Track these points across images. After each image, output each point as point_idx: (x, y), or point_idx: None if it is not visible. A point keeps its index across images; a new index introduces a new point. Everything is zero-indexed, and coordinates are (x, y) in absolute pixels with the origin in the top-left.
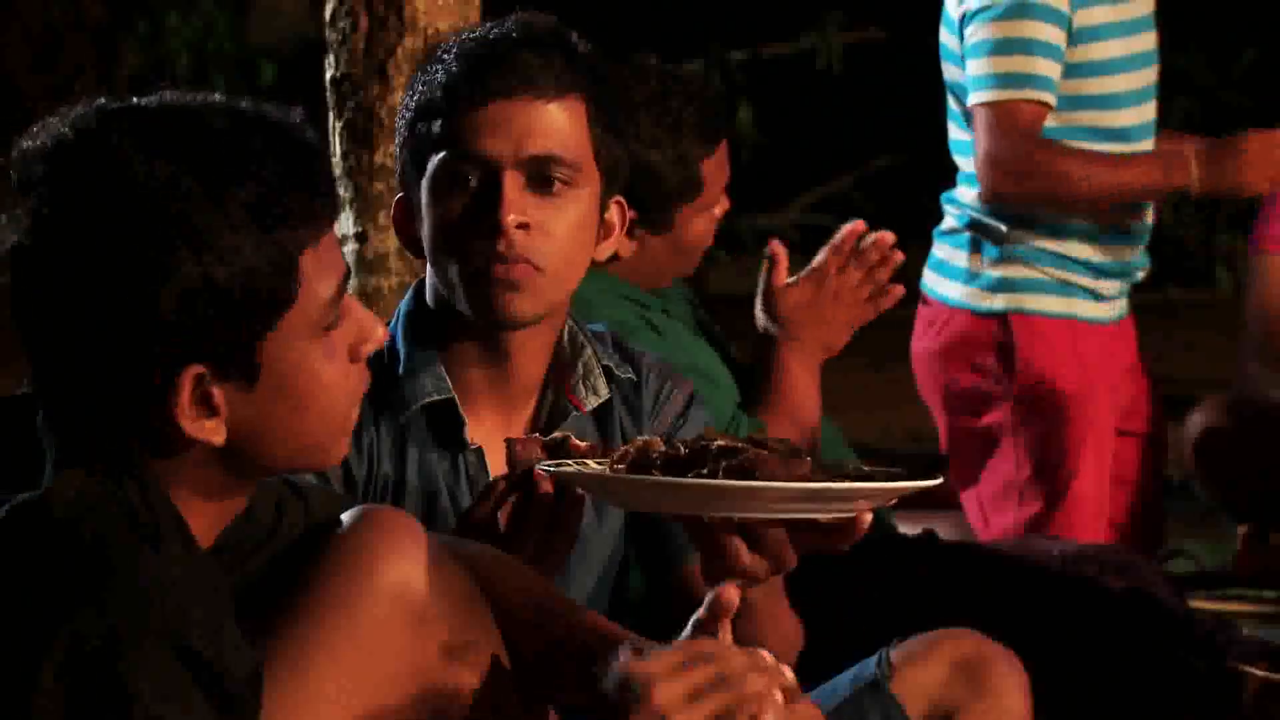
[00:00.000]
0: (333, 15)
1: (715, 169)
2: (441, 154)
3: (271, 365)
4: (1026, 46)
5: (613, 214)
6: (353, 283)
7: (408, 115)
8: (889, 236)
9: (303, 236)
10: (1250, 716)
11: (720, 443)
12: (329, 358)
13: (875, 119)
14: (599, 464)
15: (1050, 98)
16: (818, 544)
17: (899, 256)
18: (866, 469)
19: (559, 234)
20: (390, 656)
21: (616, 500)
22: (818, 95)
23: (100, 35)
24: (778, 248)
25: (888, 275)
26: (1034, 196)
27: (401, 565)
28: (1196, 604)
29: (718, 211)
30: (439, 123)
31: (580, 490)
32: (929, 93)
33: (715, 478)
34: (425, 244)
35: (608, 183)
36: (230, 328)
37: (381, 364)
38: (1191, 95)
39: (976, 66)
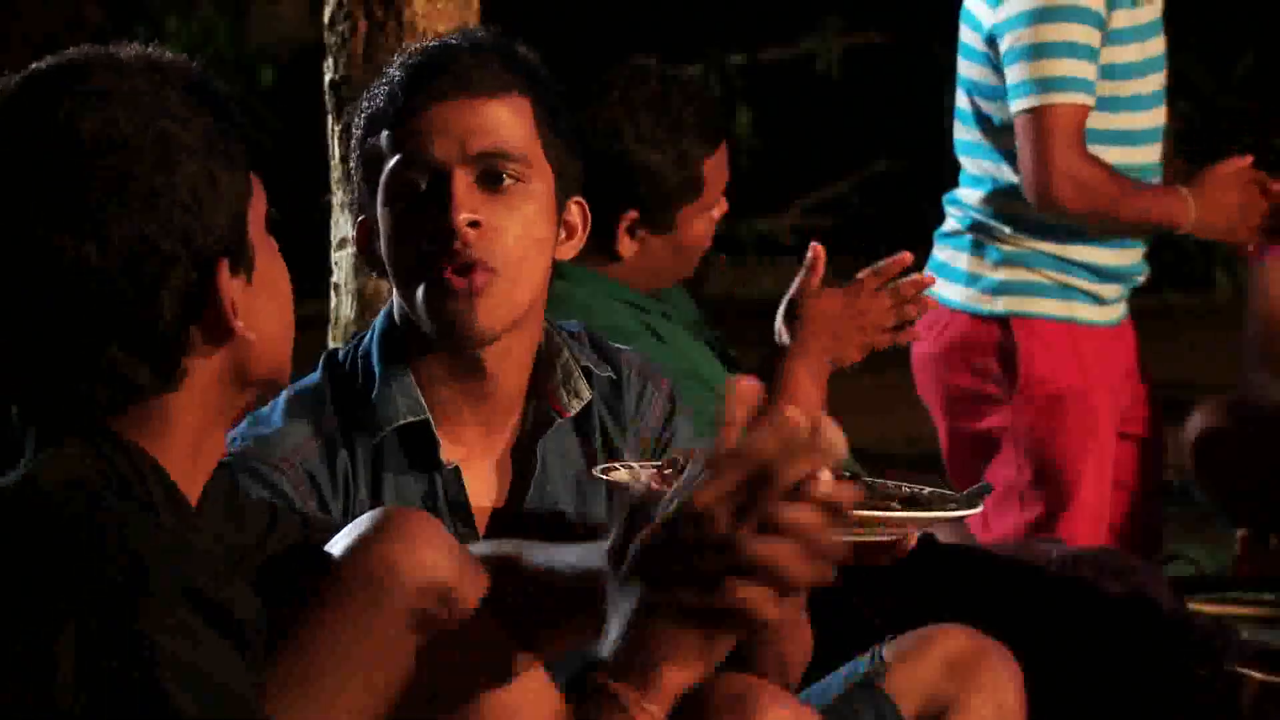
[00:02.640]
0: (331, 19)
1: (715, 169)
2: (389, 164)
3: (258, 257)
4: (1063, 50)
5: (574, 215)
6: (352, 285)
7: (356, 134)
8: (930, 279)
9: (233, 129)
10: (1249, 719)
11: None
12: (277, 253)
13: (874, 123)
14: (644, 468)
15: (1089, 99)
16: (862, 561)
17: (932, 301)
18: (909, 490)
19: (512, 231)
20: (409, 660)
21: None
22: (816, 99)
23: (99, 38)
24: (820, 251)
25: (915, 313)
26: (1086, 210)
27: (422, 570)
28: (1195, 607)
29: (716, 214)
30: (384, 134)
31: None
32: (928, 97)
33: None
34: (385, 260)
35: (562, 182)
36: (233, 213)
37: (355, 386)
38: (1190, 99)
39: (1015, 73)
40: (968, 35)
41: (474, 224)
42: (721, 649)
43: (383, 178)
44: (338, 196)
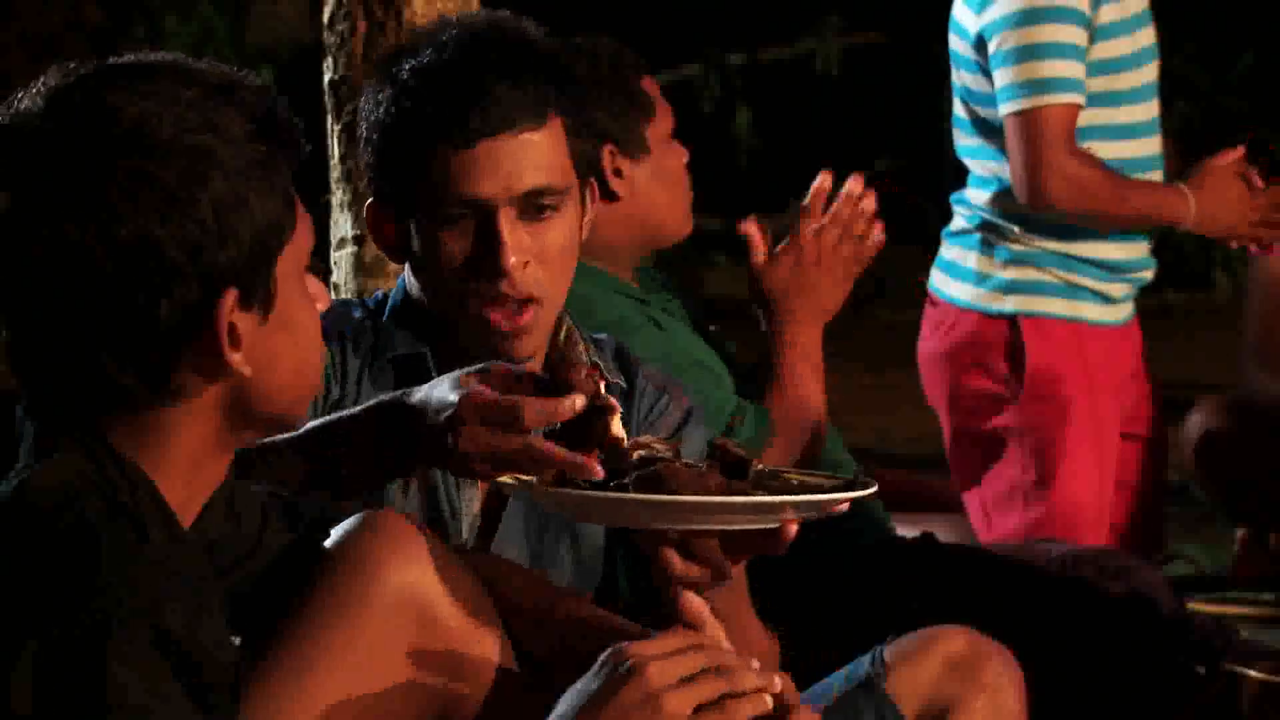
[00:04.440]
0: (331, 18)
1: (654, 88)
2: (428, 192)
3: (279, 295)
4: (1050, 51)
5: (586, 196)
6: (351, 285)
7: (378, 130)
8: (856, 185)
9: (288, 161)
10: (1249, 719)
11: (641, 453)
12: (309, 300)
13: (873, 122)
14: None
15: (1079, 98)
16: (748, 552)
17: (870, 205)
18: (800, 480)
19: (555, 256)
20: (394, 661)
21: (545, 508)
22: (816, 99)
23: (98, 38)
24: (750, 227)
25: (865, 227)
26: (1080, 208)
27: (406, 570)
28: (1195, 607)
29: (683, 156)
30: (419, 157)
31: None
32: (927, 96)
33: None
34: (422, 270)
35: (583, 178)
36: (256, 244)
37: (366, 325)
38: (1190, 99)
39: (1003, 76)
40: (957, 43)
41: (524, 263)
42: None
43: (418, 201)
44: (337, 196)
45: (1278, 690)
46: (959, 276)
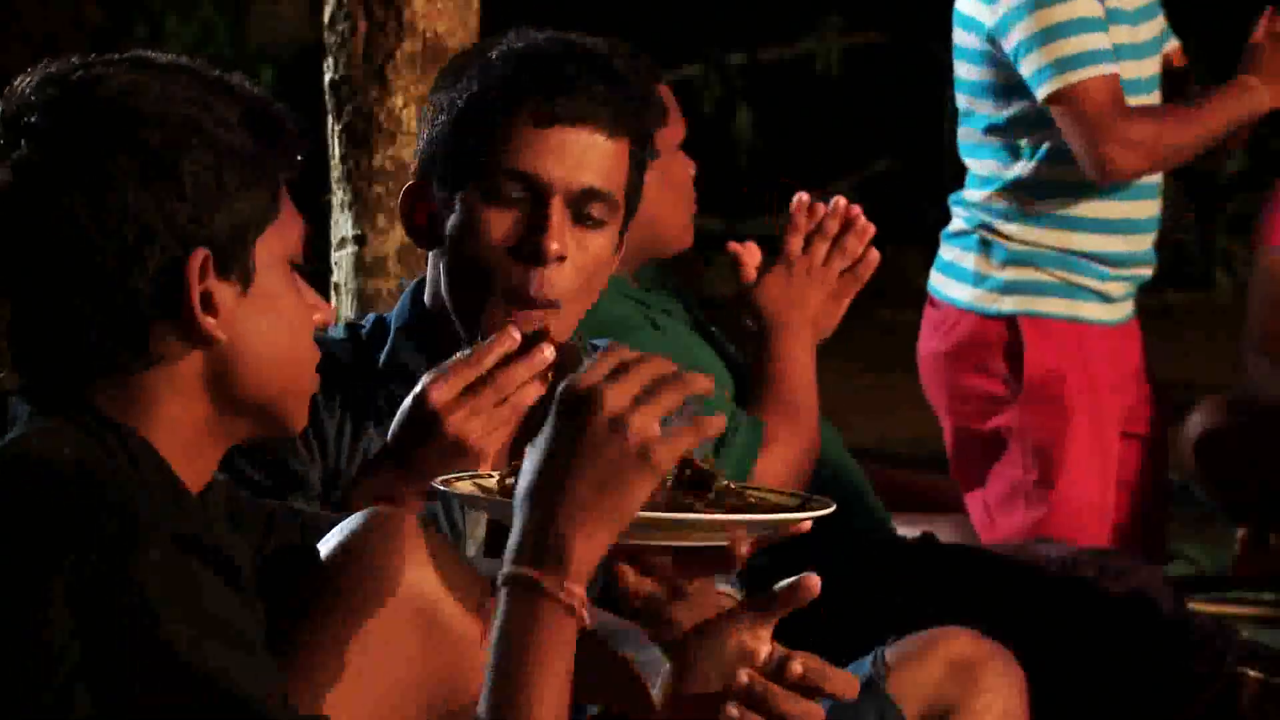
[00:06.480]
0: (331, 18)
1: (669, 97)
2: (490, 163)
3: (260, 275)
4: (1072, 27)
5: (622, 239)
6: (351, 285)
7: (457, 106)
8: (842, 200)
9: (279, 160)
10: (1249, 719)
11: None
12: (299, 297)
13: (874, 123)
14: (488, 476)
15: (1115, 67)
16: (701, 571)
17: (860, 217)
18: (759, 498)
19: (587, 268)
20: (401, 664)
21: (494, 517)
22: (816, 99)
23: (99, 38)
24: (736, 247)
25: (859, 243)
26: (1152, 165)
27: (412, 572)
28: (1195, 607)
29: (690, 170)
30: (496, 126)
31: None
32: (928, 97)
33: None
34: (447, 248)
35: (629, 217)
36: (234, 221)
37: (369, 349)
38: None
39: (1031, 63)
40: (962, 37)
41: (561, 257)
42: None
43: (478, 172)
44: (338, 196)
45: (1278, 690)
46: (958, 277)
